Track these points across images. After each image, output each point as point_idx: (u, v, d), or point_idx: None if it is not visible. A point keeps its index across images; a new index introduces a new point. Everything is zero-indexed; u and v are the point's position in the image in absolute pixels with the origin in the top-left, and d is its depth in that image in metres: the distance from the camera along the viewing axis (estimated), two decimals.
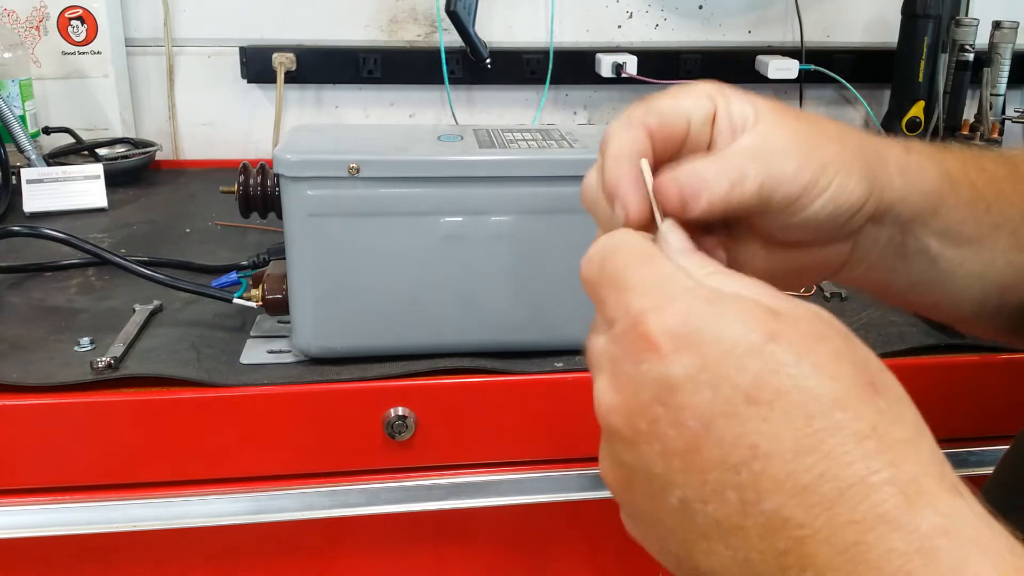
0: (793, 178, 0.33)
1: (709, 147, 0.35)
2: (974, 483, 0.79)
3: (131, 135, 1.22)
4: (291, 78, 1.24)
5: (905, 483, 0.24)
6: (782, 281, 0.36)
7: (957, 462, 0.72)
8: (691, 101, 0.34)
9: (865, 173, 0.35)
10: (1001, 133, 1.16)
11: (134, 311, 0.74)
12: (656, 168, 0.34)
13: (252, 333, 0.71)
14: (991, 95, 1.21)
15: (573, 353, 0.68)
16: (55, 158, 1.11)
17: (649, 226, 0.33)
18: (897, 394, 0.26)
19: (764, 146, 0.33)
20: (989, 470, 0.73)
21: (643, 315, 0.27)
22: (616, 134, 0.34)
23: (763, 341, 0.25)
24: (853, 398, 0.25)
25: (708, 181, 0.32)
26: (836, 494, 0.24)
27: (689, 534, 0.26)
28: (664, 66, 1.28)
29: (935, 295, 0.40)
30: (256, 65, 1.23)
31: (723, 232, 0.36)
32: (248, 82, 1.25)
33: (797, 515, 0.24)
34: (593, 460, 0.68)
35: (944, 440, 0.78)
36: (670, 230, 0.31)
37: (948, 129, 1.23)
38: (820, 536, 0.24)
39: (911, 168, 0.37)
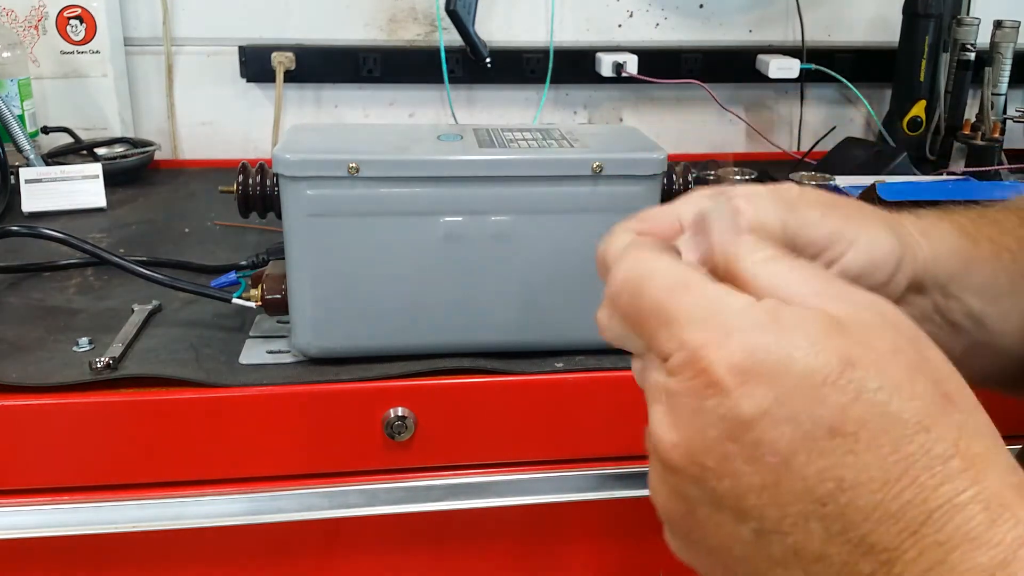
0: (818, 223, 0.33)
1: None
2: None
3: (130, 135, 1.22)
4: (290, 77, 1.23)
5: (988, 499, 0.24)
6: None
7: None
8: (683, 204, 0.34)
9: (890, 230, 0.35)
10: (1003, 133, 1.16)
11: (133, 311, 0.73)
12: None
13: (251, 333, 0.71)
14: (992, 94, 1.21)
15: (573, 353, 0.68)
16: (54, 158, 1.11)
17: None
18: (970, 400, 0.26)
19: (785, 194, 0.34)
20: None
21: (702, 351, 0.25)
22: (611, 244, 0.32)
23: (840, 368, 0.24)
24: (935, 415, 0.25)
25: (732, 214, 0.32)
26: (924, 517, 0.24)
27: (763, 563, 0.26)
28: (664, 65, 1.28)
29: (987, 358, 0.40)
30: (255, 64, 1.23)
31: None
32: (247, 81, 1.25)
33: (884, 540, 0.24)
34: (593, 460, 0.68)
35: None
36: (719, 217, 0.29)
37: (949, 129, 1.23)
38: (906, 557, 0.24)
39: (929, 230, 0.38)
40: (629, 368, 0.68)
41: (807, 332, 0.25)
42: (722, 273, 0.28)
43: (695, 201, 0.33)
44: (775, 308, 0.26)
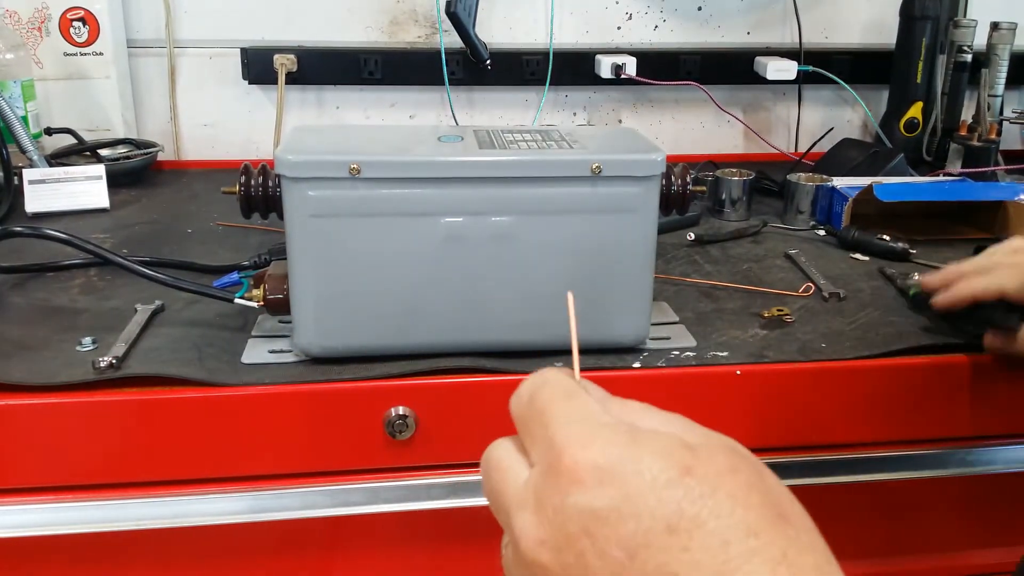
0: None
1: None
2: (975, 482, 0.79)
3: (133, 136, 1.22)
4: (292, 79, 1.24)
5: None
6: None
7: (956, 462, 0.72)
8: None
9: None
10: (999, 134, 1.17)
11: (136, 311, 0.74)
12: None
13: (253, 333, 0.71)
14: (989, 96, 1.22)
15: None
16: (57, 159, 1.11)
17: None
18: (806, 523, 0.28)
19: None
20: (989, 470, 0.73)
21: (568, 449, 0.28)
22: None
23: (680, 474, 0.27)
24: (765, 526, 0.26)
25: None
26: None
27: None
28: (663, 67, 1.29)
29: None
30: (257, 66, 1.23)
31: None
32: (249, 83, 1.26)
33: None
34: None
35: (944, 440, 0.78)
36: (586, 384, 0.33)
37: (946, 130, 1.23)
38: None
39: None
40: (627, 368, 0.69)
41: (659, 445, 0.28)
42: None
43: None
44: (635, 428, 0.29)
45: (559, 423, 0.29)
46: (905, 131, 1.23)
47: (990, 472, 0.73)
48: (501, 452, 0.32)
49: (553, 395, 0.31)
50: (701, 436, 0.29)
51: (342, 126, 1.25)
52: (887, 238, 0.92)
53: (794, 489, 0.30)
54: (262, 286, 0.68)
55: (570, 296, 0.35)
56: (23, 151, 1.05)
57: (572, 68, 1.29)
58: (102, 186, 1.04)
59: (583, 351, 0.68)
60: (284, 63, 1.22)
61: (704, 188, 0.74)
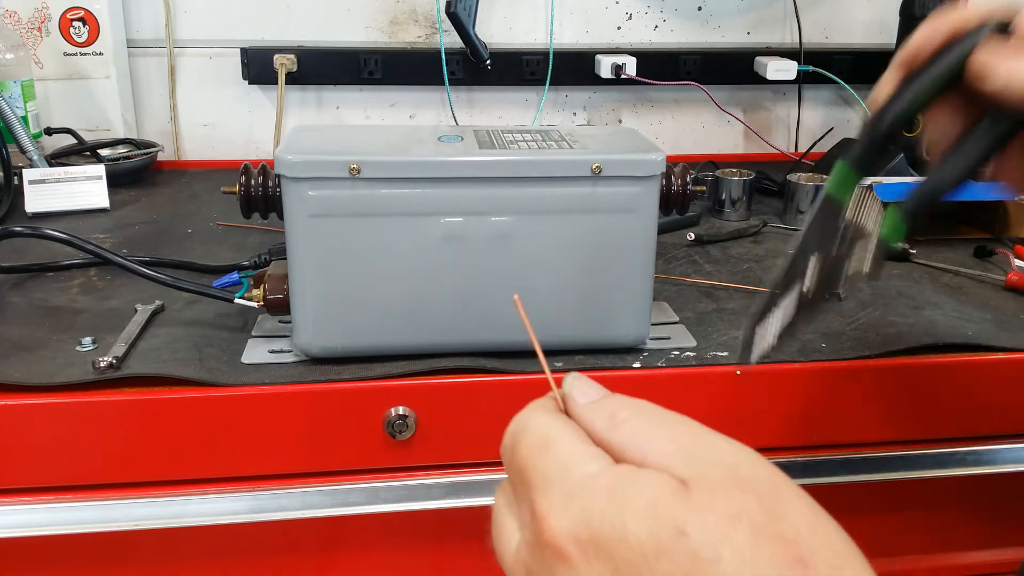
0: None
1: None
2: (975, 482, 0.79)
3: (133, 136, 1.23)
4: (292, 79, 1.24)
5: None
6: None
7: (956, 462, 0.72)
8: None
9: None
10: None
11: (136, 311, 0.74)
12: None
13: (253, 333, 0.71)
14: None
15: (573, 353, 0.68)
16: (57, 159, 1.11)
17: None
18: (831, 560, 0.24)
19: None
20: (988, 470, 0.73)
21: (546, 519, 0.26)
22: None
23: (672, 537, 0.24)
24: None
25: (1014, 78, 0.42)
26: None
27: None
28: (663, 67, 1.29)
29: None
30: (257, 66, 1.23)
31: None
32: (249, 83, 1.26)
33: None
34: None
35: (943, 440, 0.79)
36: (574, 385, 0.31)
37: None
38: None
39: None
40: (627, 367, 0.69)
41: (646, 499, 0.25)
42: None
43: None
44: (618, 476, 0.26)
45: (537, 486, 0.27)
46: (905, 131, 1.23)
47: (990, 472, 0.73)
48: (499, 504, 0.30)
49: (530, 449, 0.28)
50: (700, 462, 0.26)
51: (342, 126, 1.25)
52: None
53: None
54: (262, 286, 0.68)
55: (517, 299, 0.34)
56: (23, 151, 1.05)
57: (572, 68, 1.29)
58: (102, 186, 1.04)
59: (584, 351, 0.68)
60: (284, 63, 1.22)
61: (704, 188, 0.74)
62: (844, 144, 1.20)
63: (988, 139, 0.45)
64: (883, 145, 0.46)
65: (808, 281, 0.46)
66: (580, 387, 0.31)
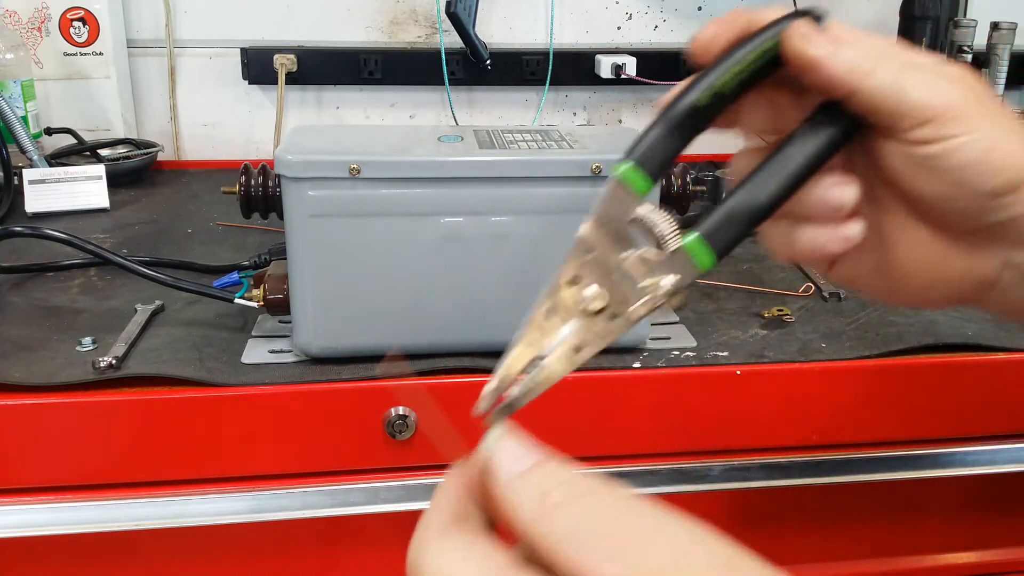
0: (930, 98, 0.31)
1: None
2: (975, 482, 0.79)
3: (133, 136, 1.23)
4: (292, 79, 1.24)
5: None
6: (917, 289, 0.35)
7: (956, 462, 0.72)
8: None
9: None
10: None
11: (136, 311, 0.74)
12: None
13: (253, 333, 0.71)
14: None
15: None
16: (57, 159, 1.11)
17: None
18: None
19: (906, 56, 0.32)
20: (987, 470, 0.73)
21: None
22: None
23: None
24: None
25: (840, 50, 0.31)
26: None
27: None
28: (663, 67, 1.29)
29: None
30: (257, 66, 1.23)
31: (869, 206, 0.34)
32: (249, 83, 1.26)
33: None
34: (592, 458, 0.68)
35: (943, 440, 0.78)
36: (498, 449, 0.26)
37: None
38: None
39: None
40: (627, 368, 0.69)
41: None
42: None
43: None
44: None
45: None
46: None
47: (990, 472, 0.73)
48: None
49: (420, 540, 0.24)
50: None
51: (342, 126, 1.25)
52: None
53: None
54: (262, 286, 0.68)
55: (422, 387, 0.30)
56: (23, 151, 1.05)
57: (572, 68, 1.29)
58: (102, 186, 1.04)
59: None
60: (284, 63, 1.22)
61: (704, 188, 0.74)
62: None
63: (814, 146, 0.33)
64: (679, 132, 0.34)
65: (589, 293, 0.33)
66: (506, 451, 0.26)
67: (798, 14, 0.34)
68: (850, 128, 0.33)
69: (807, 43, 0.32)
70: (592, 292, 0.32)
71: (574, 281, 0.33)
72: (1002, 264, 0.34)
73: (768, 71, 0.34)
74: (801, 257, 0.35)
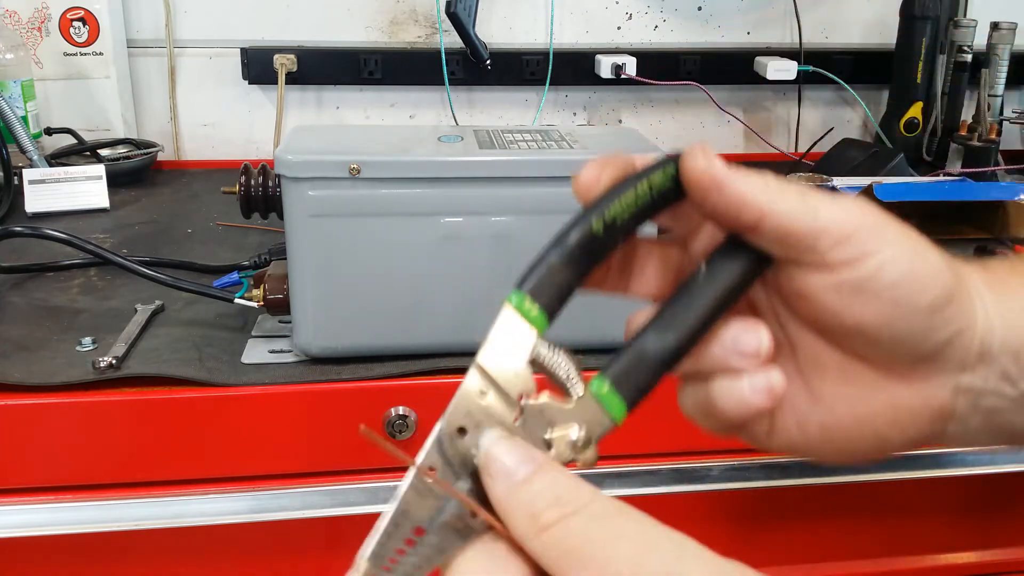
0: (841, 217, 0.29)
1: None
2: (974, 482, 0.79)
3: (133, 136, 1.23)
4: (292, 79, 1.24)
5: None
6: (871, 439, 0.31)
7: (956, 462, 0.72)
8: None
9: (941, 256, 0.30)
10: (999, 134, 1.17)
11: (136, 311, 0.74)
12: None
13: (253, 333, 0.71)
14: (989, 96, 1.22)
15: (573, 353, 0.68)
16: (57, 159, 1.11)
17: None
18: None
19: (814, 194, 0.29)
20: (987, 470, 0.73)
21: None
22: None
23: None
24: None
25: (742, 175, 0.29)
26: None
27: None
28: (663, 67, 1.29)
29: None
30: (257, 66, 1.23)
31: (790, 356, 0.32)
32: (249, 83, 1.26)
33: None
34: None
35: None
36: (492, 449, 0.26)
37: (946, 130, 1.23)
38: None
39: (997, 283, 0.32)
40: None
41: None
42: None
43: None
44: None
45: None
46: (905, 131, 1.23)
47: (990, 472, 0.73)
48: None
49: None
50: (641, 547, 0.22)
51: (342, 126, 1.25)
52: None
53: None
54: (262, 286, 0.68)
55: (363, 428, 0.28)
56: (23, 151, 1.05)
57: (572, 68, 1.29)
58: (102, 186, 1.04)
59: (583, 351, 0.68)
60: (284, 63, 1.22)
61: None
62: (844, 144, 1.20)
63: (722, 281, 0.30)
64: (575, 263, 0.31)
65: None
66: (502, 455, 0.26)
67: (676, 158, 0.30)
68: (756, 264, 0.31)
69: (710, 164, 0.29)
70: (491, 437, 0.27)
71: (461, 432, 0.28)
72: (953, 391, 0.31)
73: (661, 205, 0.31)
74: (727, 420, 0.32)
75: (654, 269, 0.34)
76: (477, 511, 0.26)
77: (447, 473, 0.27)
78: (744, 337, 0.30)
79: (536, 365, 0.28)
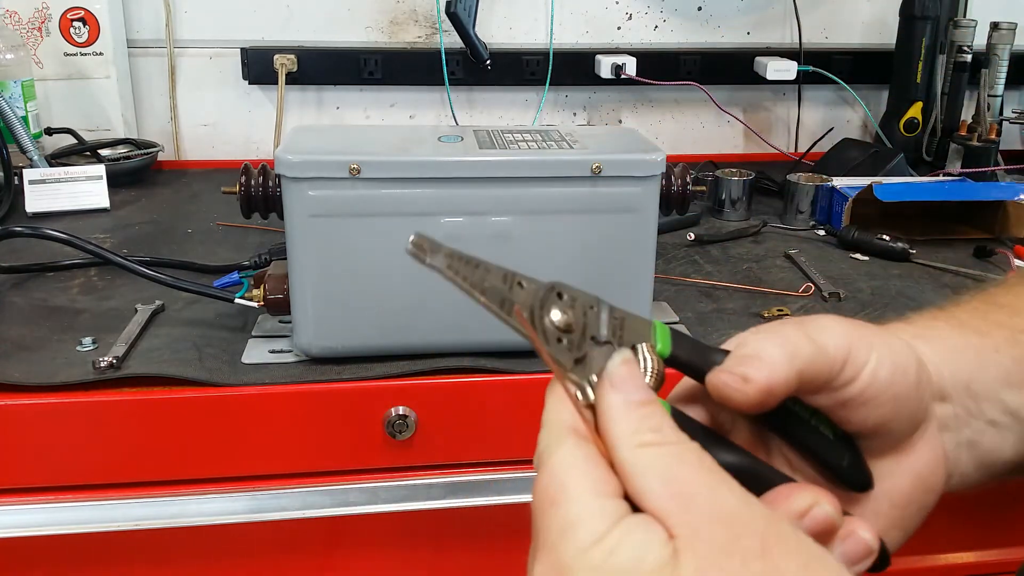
0: (830, 349, 0.31)
1: None
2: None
3: (133, 136, 1.23)
4: (292, 79, 1.24)
5: None
6: (905, 510, 0.37)
7: None
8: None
9: (894, 335, 0.33)
10: (999, 134, 1.17)
11: (136, 311, 0.74)
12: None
13: (253, 333, 0.71)
14: (989, 96, 1.22)
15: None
16: (57, 159, 1.11)
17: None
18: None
19: (792, 338, 0.32)
20: None
21: None
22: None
23: None
24: None
25: (765, 357, 0.31)
26: None
27: None
28: (663, 67, 1.29)
29: None
30: (257, 66, 1.23)
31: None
32: (249, 83, 1.26)
33: None
34: None
35: None
36: (615, 372, 0.29)
37: (945, 130, 1.23)
38: None
39: (923, 333, 0.36)
40: None
41: (632, 564, 0.25)
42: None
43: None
44: (614, 546, 0.25)
45: (539, 545, 0.27)
46: (905, 131, 1.23)
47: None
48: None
49: (542, 497, 0.27)
50: (697, 516, 0.25)
51: (342, 126, 1.25)
52: (887, 238, 0.92)
53: None
54: (262, 286, 0.68)
55: (518, 310, 0.32)
56: (23, 151, 1.05)
57: (572, 68, 1.29)
58: (102, 186, 1.04)
59: None
60: (284, 63, 1.22)
61: (704, 188, 0.74)
62: (844, 144, 1.20)
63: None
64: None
65: None
66: (624, 377, 0.29)
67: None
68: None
69: (741, 384, 0.31)
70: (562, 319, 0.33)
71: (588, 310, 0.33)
72: (955, 445, 0.36)
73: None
74: None
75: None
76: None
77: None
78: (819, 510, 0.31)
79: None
